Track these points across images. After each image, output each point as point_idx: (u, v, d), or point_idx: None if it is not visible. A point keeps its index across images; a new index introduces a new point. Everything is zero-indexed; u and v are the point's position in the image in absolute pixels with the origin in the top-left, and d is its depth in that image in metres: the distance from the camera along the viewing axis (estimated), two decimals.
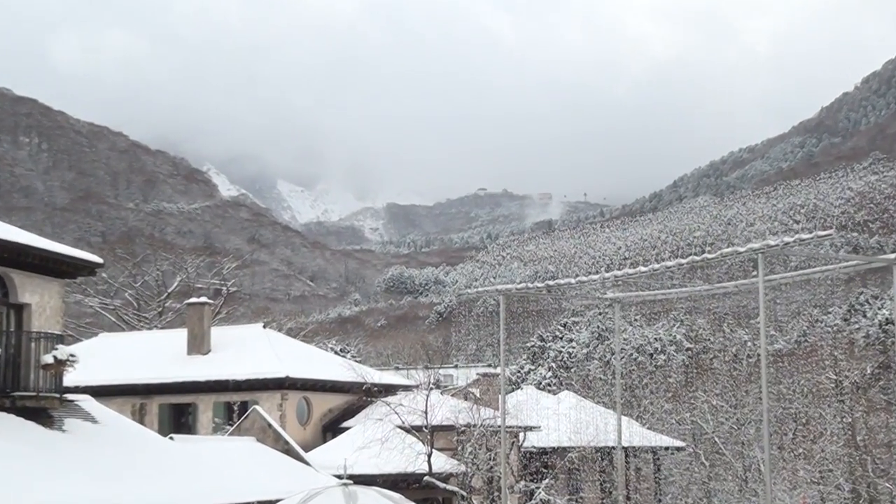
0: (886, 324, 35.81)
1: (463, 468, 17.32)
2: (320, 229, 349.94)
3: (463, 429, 17.84)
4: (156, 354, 21.50)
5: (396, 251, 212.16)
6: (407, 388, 21.19)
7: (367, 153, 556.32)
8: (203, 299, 22.60)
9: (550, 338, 45.57)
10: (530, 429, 21.65)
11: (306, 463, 15.42)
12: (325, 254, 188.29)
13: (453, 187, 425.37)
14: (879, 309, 39.06)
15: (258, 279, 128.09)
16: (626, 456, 21.49)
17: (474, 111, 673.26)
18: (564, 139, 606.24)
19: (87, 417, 10.88)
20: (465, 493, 17.02)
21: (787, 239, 12.21)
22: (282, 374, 19.39)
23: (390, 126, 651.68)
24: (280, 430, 16.22)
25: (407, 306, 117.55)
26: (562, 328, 45.98)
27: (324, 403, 20.60)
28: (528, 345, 45.27)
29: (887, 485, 20.89)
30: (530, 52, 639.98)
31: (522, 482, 19.64)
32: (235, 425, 16.75)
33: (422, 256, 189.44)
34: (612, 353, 30.13)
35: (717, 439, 22.47)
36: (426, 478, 16.63)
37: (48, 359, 9.83)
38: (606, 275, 16.69)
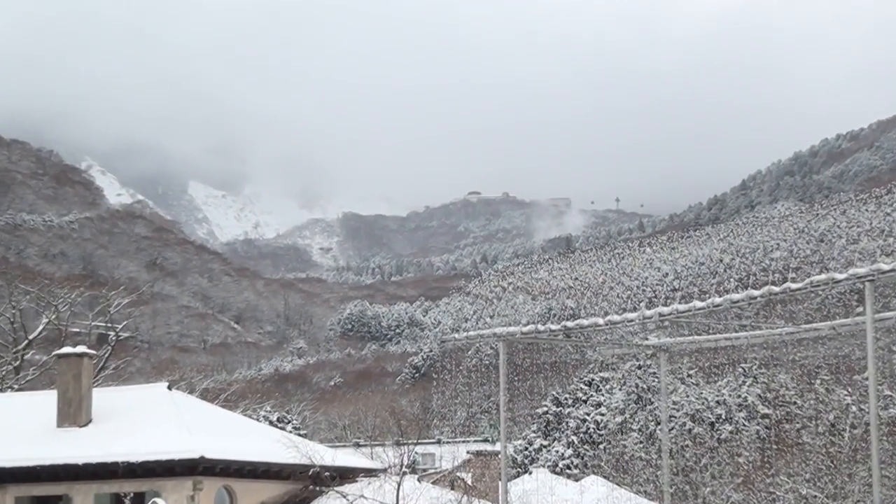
0: None
1: None
2: (250, 250, 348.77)
3: None
4: (11, 427, 20.94)
5: (356, 280, 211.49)
6: (371, 472, 20.86)
7: (312, 145, 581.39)
8: (81, 349, 22.11)
9: (570, 401, 45.16)
10: None
11: None
12: (257, 284, 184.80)
13: (435, 192, 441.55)
14: None
15: (161, 320, 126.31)
16: None
17: (462, 89, 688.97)
18: (585, 125, 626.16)
19: None
20: None
21: None
22: (194, 455, 18.69)
23: (344, 110, 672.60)
24: None
25: (371, 358, 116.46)
26: (586, 387, 45.63)
27: (254, 495, 19.86)
28: (540, 411, 44.91)
29: None
30: (539, 4, 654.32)
31: None
32: None
33: (391, 288, 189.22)
34: (658, 423, 30.05)
35: None
36: None
37: None
38: (648, 313, 16.67)
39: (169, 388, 22.86)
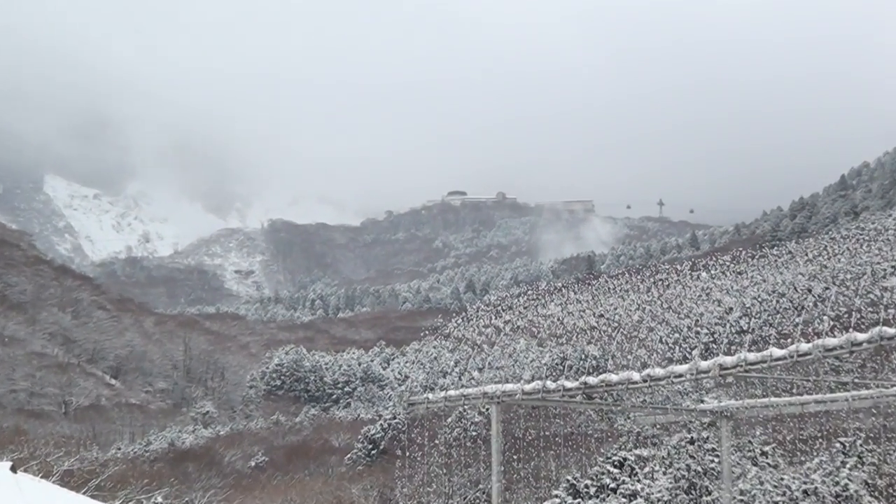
0: None
1: None
2: (135, 273, 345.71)
3: None
4: None
5: (288, 317, 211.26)
6: None
7: (224, 130, 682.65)
8: None
9: (593, 490, 44.89)
10: None
11: None
12: (146, 322, 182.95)
13: (403, 192, 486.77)
14: None
15: (2, 374, 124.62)
16: None
17: (441, 56, 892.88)
18: (611, 111, 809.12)
19: None
20: None
21: None
22: None
23: (273, 84, 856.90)
24: None
25: (309, 427, 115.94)
26: (615, 470, 45.47)
27: None
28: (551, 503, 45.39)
29: None
30: None
31: None
32: None
33: (339, 327, 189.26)
34: None
35: None
36: None
37: None
38: (704, 365, 16.50)
39: (13, 469, 22.27)
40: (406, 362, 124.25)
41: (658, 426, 41.24)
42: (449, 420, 54.44)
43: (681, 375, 16.47)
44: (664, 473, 42.94)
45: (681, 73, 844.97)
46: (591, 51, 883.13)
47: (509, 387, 19.81)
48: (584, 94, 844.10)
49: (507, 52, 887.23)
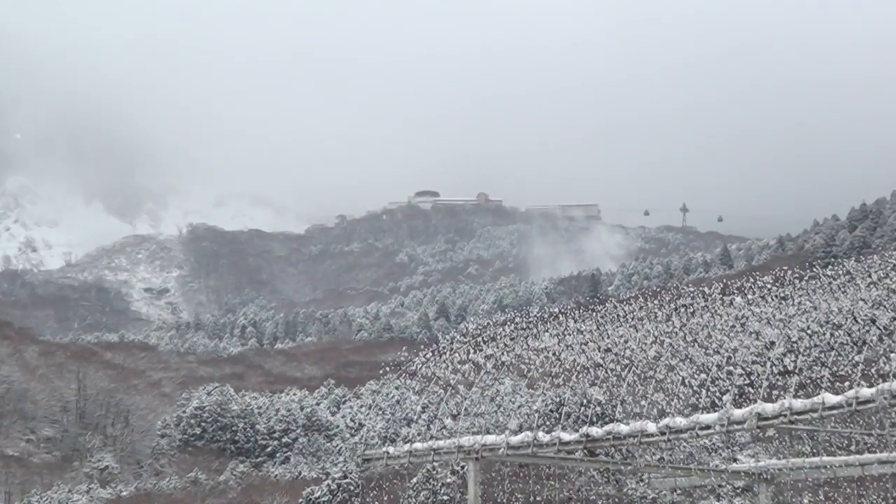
0: None
1: None
2: (15, 290, 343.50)
3: None
4: None
5: (211, 348, 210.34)
6: None
7: (127, 109, 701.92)
8: None
9: None
10: None
11: None
12: (27, 352, 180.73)
13: (356, 192, 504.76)
14: None
15: None
16: None
17: (409, 28, 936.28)
18: (624, 83, 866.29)
19: None
20: None
21: None
22: None
23: (185, 47, 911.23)
24: None
25: (236, 487, 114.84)
26: None
27: None
28: None
29: None
30: None
31: None
32: None
33: (275, 361, 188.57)
34: None
35: None
36: None
37: None
38: (738, 413, 16.35)
39: None
40: (361, 406, 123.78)
41: (679, 491, 41.02)
42: (414, 481, 54.27)
43: (708, 427, 16.41)
44: None
45: (703, 44, 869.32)
46: (592, 21, 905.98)
47: (491, 439, 19.68)
48: (584, 72, 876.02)
49: (489, 22, 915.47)
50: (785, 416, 16.03)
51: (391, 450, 24.82)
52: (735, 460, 18.14)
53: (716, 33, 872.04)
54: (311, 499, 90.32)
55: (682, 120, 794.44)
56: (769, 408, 16.70)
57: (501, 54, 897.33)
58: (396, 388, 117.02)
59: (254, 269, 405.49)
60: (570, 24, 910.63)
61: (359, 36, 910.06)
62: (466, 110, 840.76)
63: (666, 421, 17.25)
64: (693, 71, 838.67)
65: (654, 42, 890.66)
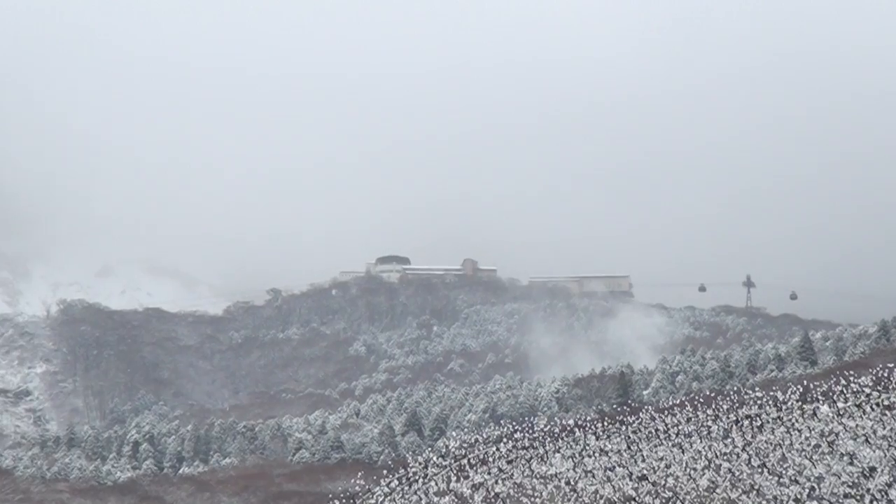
0: None
1: None
2: None
3: None
4: None
5: (91, 471, 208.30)
6: None
7: None
8: None
9: None
10: None
11: None
12: None
13: (295, 259, 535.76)
14: None
15: None
16: None
17: (372, 38, 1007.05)
18: (664, 113, 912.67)
19: None
20: None
21: None
22: None
23: (58, 56, 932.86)
24: None
25: None
26: None
27: None
28: None
29: None
30: None
31: None
32: None
33: (179, 492, 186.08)
34: None
35: None
36: None
37: None
38: None
39: None
40: None
41: None
42: None
43: None
44: None
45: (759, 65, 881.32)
46: (617, 42, 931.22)
47: None
48: (606, 100, 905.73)
49: (477, 35, 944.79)
50: None
51: None
52: None
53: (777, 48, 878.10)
54: None
55: (739, 164, 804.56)
56: None
57: (497, 70, 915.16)
58: None
59: (151, 364, 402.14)
60: (588, 44, 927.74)
61: (307, 57, 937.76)
62: (447, 148, 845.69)
63: None
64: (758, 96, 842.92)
65: (698, 66, 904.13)
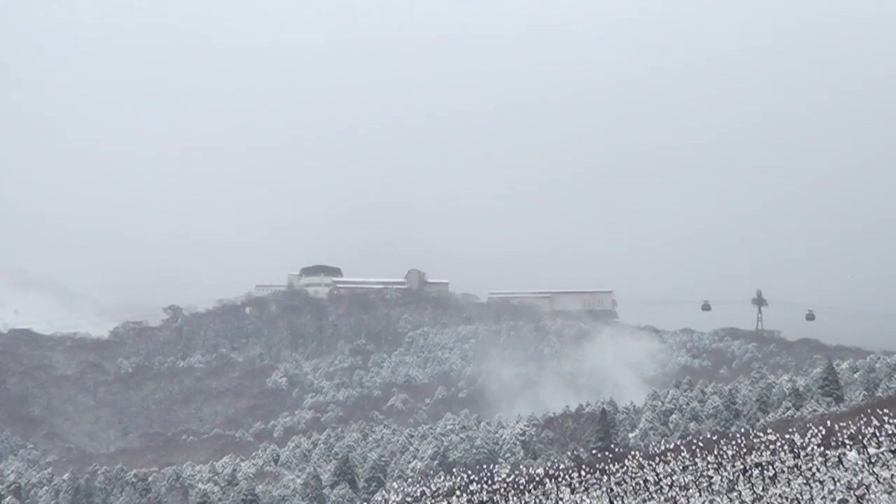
0: None
1: None
2: None
3: None
4: None
5: None
6: None
7: None
8: None
9: None
10: None
11: None
12: None
13: (201, 269, 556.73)
14: None
15: None
16: None
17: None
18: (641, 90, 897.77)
19: None
20: None
21: None
22: None
23: None
24: None
25: None
26: None
27: None
28: None
29: None
30: None
31: None
32: None
33: None
34: None
35: None
36: None
37: None
38: None
39: None
40: None
41: None
42: None
43: None
44: None
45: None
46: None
47: None
48: (584, 79, 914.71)
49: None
50: None
51: None
52: None
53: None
54: None
55: (744, 164, 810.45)
56: None
57: (447, 54, 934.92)
58: None
59: (18, 398, 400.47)
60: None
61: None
62: (389, 144, 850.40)
63: None
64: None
65: (702, 50, 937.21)
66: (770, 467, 79.30)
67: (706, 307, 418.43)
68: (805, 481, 72.50)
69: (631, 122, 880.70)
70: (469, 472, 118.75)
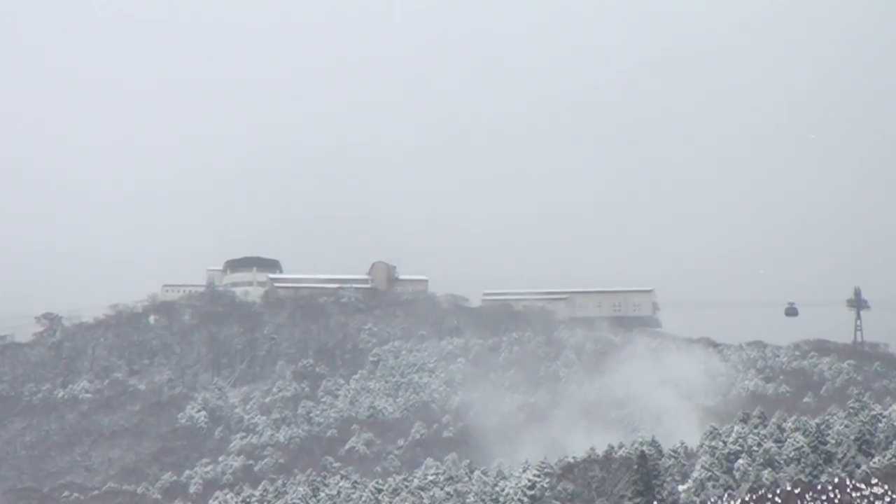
0: None
1: None
2: None
3: None
4: None
5: None
6: None
7: None
8: None
9: None
10: None
11: None
12: None
13: (88, 260, 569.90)
14: None
15: None
16: None
17: None
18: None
19: None
20: None
21: None
22: None
23: None
24: None
25: None
26: None
27: None
28: None
29: None
30: None
31: None
32: None
33: None
34: None
35: None
36: None
37: None
38: None
39: None
40: None
41: None
42: None
43: None
44: None
45: None
46: None
47: None
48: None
49: None
50: None
51: None
52: None
53: None
54: None
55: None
56: None
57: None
58: None
59: None
60: None
61: None
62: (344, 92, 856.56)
63: None
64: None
65: None
66: None
67: (791, 311, 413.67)
68: None
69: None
70: None
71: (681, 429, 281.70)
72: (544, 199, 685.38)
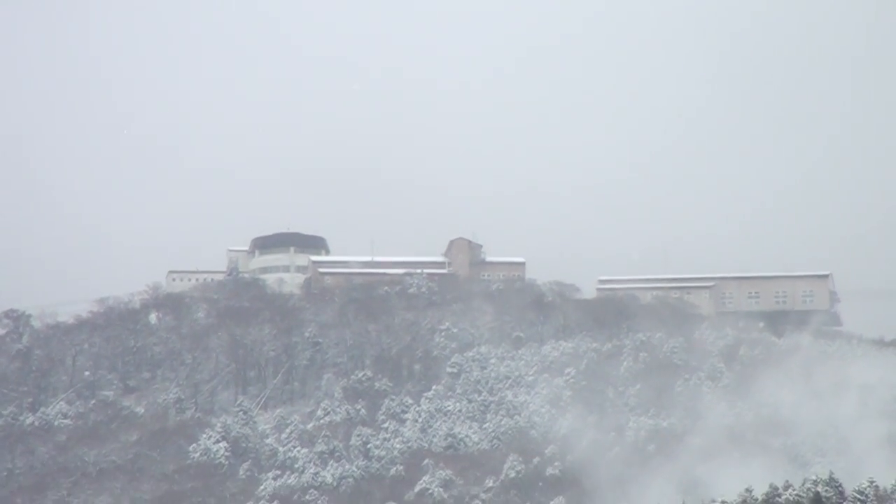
0: None
1: None
2: None
3: None
4: None
5: None
6: None
7: None
8: None
9: None
10: None
11: None
12: None
13: (72, 249, 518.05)
14: None
15: None
16: None
17: None
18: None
19: None
20: None
21: None
22: None
23: None
24: None
25: None
26: None
27: None
28: None
29: None
30: None
31: None
32: None
33: None
34: None
35: None
36: None
37: None
38: None
39: None
40: None
41: None
42: None
43: None
44: None
45: None
46: None
47: None
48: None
49: None
50: None
51: None
52: None
53: None
54: None
55: None
56: None
57: None
58: None
59: None
60: None
61: None
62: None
63: None
64: None
65: None
66: None
67: None
68: None
69: None
70: None
71: (872, 461, 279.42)
72: (672, 159, 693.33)
